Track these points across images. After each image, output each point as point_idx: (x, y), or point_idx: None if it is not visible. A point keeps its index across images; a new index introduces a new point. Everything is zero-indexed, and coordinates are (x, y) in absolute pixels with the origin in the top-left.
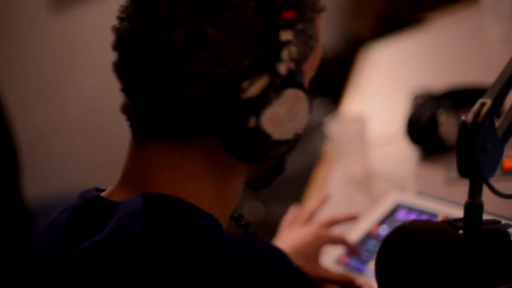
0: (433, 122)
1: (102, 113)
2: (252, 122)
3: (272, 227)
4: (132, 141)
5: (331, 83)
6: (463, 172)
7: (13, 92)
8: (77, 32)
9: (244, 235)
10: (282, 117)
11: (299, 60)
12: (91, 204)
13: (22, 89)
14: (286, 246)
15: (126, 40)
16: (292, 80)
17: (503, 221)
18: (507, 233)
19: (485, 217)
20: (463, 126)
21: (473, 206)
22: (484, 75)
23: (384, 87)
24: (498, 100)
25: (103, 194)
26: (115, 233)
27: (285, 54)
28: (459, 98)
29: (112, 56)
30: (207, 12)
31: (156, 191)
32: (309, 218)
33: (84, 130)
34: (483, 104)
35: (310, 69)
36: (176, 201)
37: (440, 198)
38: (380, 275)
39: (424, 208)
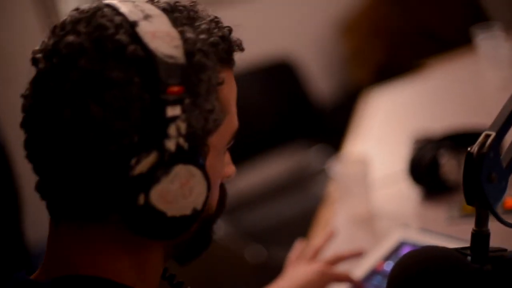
0: (435, 163)
1: None
2: (141, 199)
3: (275, 271)
4: (50, 221)
5: (331, 130)
6: (469, 200)
7: (13, 130)
8: None
9: None
10: (175, 193)
11: (195, 135)
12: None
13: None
14: (290, 284)
15: (27, 119)
16: (183, 156)
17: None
18: None
19: None
20: (468, 156)
21: (480, 234)
22: (482, 120)
23: (385, 131)
24: (502, 132)
25: (32, 277)
26: None
27: (172, 130)
28: (458, 140)
29: None
30: (91, 89)
31: (76, 272)
32: (315, 255)
33: None
34: (487, 136)
35: (220, 142)
36: (99, 280)
37: (443, 235)
38: None
39: (428, 244)
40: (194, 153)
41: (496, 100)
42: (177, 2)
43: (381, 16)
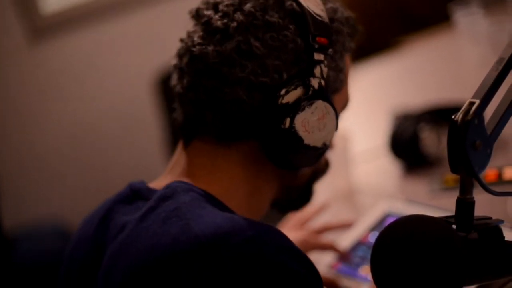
0: (415, 138)
1: (78, 141)
2: (286, 122)
3: None
4: (180, 142)
5: None
6: (454, 168)
7: None
8: (53, 63)
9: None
10: (313, 124)
11: (330, 83)
12: (137, 191)
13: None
14: None
15: (186, 53)
16: (322, 94)
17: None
18: (498, 228)
19: None
20: (452, 124)
21: (465, 202)
22: (460, 95)
23: (364, 107)
24: (486, 99)
25: (151, 183)
26: (149, 211)
27: (317, 71)
28: (438, 115)
29: (86, 86)
30: (254, 30)
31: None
32: (303, 223)
33: (62, 159)
34: (471, 103)
35: (339, 103)
36: (205, 193)
37: (429, 206)
38: (375, 270)
39: None
40: (330, 97)
41: (474, 76)
42: None
43: None
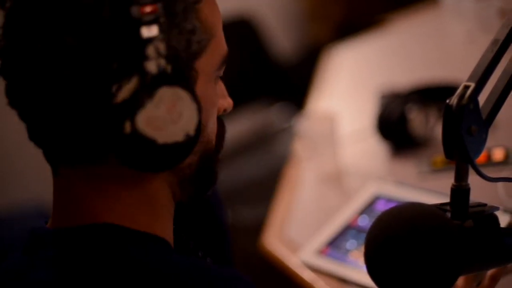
0: (403, 118)
1: None
2: (127, 126)
3: (240, 232)
4: (52, 171)
5: (293, 88)
6: (449, 154)
7: None
8: None
9: (201, 260)
10: (163, 118)
11: (179, 57)
12: (39, 237)
13: None
14: None
15: (3, 65)
16: (166, 79)
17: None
18: (494, 216)
19: None
20: (447, 109)
21: (460, 189)
22: (448, 73)
23: (349, 87)
24: (481, 83)
25: (48, 224)
26: (60, 274)
27: (151, 51)
28: (426, 95)
29: None
30: (62, 19)
31: (89, 220)
32: None
33: None
34: (466, 87)
35: (209, 66)
36: (110, 228)
37: (419, 188)
38: (369, 262)
39: (403, 198)
40: (179, 75)
41: (461, 54)
42: None
43: None
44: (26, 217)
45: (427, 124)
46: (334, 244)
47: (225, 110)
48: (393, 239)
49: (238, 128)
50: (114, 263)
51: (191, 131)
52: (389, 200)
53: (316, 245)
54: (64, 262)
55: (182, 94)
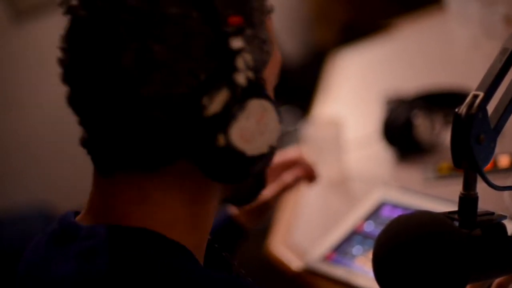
0: (409, 124)
1: (62, 124)
2: (221, 140)
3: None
4: (96, 174)
5: (297, 91)
6: (457, 163)
7: None
8: (37, 43)
9: (225, 273)
10: (252, 130)
11: (258, 68)
12: (67, 229)
13: None
14: None
15: (73, 72)
16: (254, 90)
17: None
18: (502, 224)
19: None
20: (456, 118)
21: (468, 198)
22: (452, 79)
23: (355, 92)
24: (490, 92)
25: (77, 218)
26: (78, 268)
27: (240, 62)
28: (432, 101)
29: None
30: (149, 29)
31: (124, 222)
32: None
33: (44, 142)
34: (475, 96)
35: (271, 75)
36: (142, 232)
37: (425, 194)
38: (378, 269)
39: (409, 204)
40: (261, 86)
41: (466, 59)
42: None
43: None
44: (27, 218)
45: (433, 130)
46: (340, 250)
47: None
48: (401, 246)
49: None
50: (141, 268)
51: (274, 143)
52: (394, 206)
53: (322, 250)
54: (90, 260)
55: (267, 105)
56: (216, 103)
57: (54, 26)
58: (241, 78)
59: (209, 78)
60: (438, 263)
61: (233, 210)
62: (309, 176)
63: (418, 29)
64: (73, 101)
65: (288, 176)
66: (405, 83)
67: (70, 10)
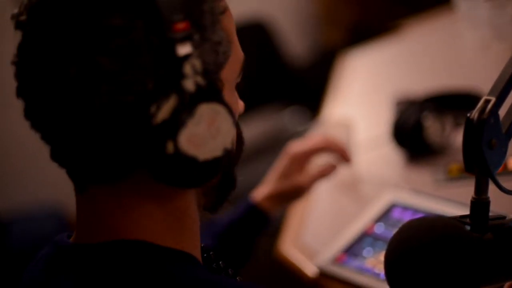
0: (419, 126)
1: None
2: (170, 147)
3: None
4: (75, 190)
5: (306, 91)
6: (469, 167)
7: None
8: None
9: (231, 278)
10: (203, 135)
11: (209, 71)
12: (63, 252)
13: None
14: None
15: (25, 86)
16: (204, 95)
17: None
18: None
19: None
20: (468, 123)
21: (480, 202)
22: (463, 80)
23: (364, 93)
24: (502, 97)
25: (71, 239)
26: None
27: (187, 69)
28: (441, 102)
29: None
30: (94, 42)
31: (115, 236)
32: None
33: None
34: (487, 101)
35: (232, 74)
36: (140, 245)
37: (435, 196)
38: (390, 274)
39: (419, 206)
40: (213, 89)
41: (475, 61)
42: None
43: None
44: (37, 218)
45: (443, 131)
46: (351, 251)
47: (239, 113)
48: (413, 250)
49: (251, 132)
50: (141, 281)
51: (229, 145)
52: (405, 208)
53: (333, 252)
54: (88, 279)
55: (219, 109)
56: (164, 111)
57: None
58: (189, 84)
59: (157, 86)
60: (450, 267)
61: (256, 197)
62: (344, 158)
63: (427, 31)
64: (29, 114)
65: (323, 163)
66: (414, 85)
67: (19, 25)
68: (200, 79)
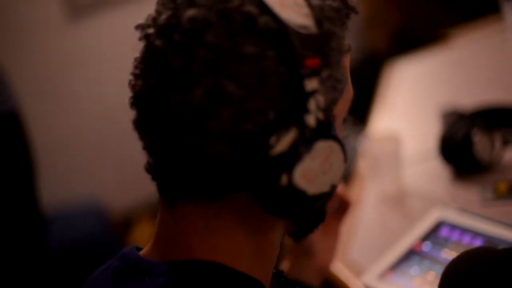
0: (467, 142)
1: (115, 122)
2: (284, 179)
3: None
4: (161, 202)
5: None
6: None
7: (28, 101)
8: (92, 42)
9: None
10: (316, 171)
11: (329, 108)
12: (133, 267)
13: (36, 98)
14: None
15: (142, 99)
16: (322, 131)
17: None
18: None
19: None
20: None
21: None
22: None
23: (411, 104)
24: None
25: (141, 253)
26: None
27: (312, 104)
28: (491, 117)
29: (126, 65)
30: (224, 67)
31: (191, 255)
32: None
33: (98, 139)
34: None
35: (341, 111)
36: (213, 267)
37: (483, 216)
38: None
39: (467, 226)
40: (330, 126)
41: None
42: None
43: None
44: (79, 218)
45: (492, 148)
46: (398, 269)
47: None
48: (468, 283)
49: None
50: None
51: (337, 181)
52: (452, 227)
53: (379, 269)
54: None
55: (334, 146)
56: (283, 143)
57: (108, 25)
58: (311, 120)
59: (278, 118)
60: None
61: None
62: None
63: (476, 40)
64: (140, 126)
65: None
66: (462, 97)
67: (146, 38)
68: (321, 115)
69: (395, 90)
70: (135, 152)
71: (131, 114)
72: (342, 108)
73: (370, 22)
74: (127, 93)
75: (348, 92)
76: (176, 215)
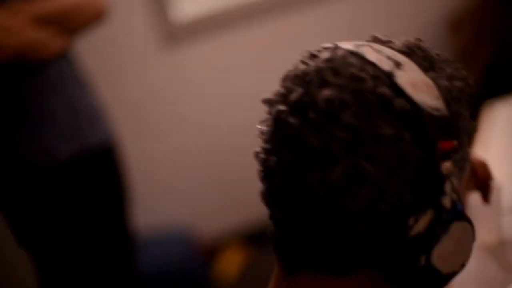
0: None
1: (209, 150)
2: (422, 260)
3: None
4: (279, 270)
5: None
6: None
7: (125, 126)
8: (188, 70)
9: None
10: (450, 251)
11: (460, 189)
12: None
13: (133, 125)
14: None
15: (276, 174)
16: (457, 213)
17: None
18: None
19: None
20: None
21: None
22: None
23: (507, 150)
24: None
25: None
26: None
27: (448, 186)
28: None
29: (222, 92)
30: (362, 148)
31: None
32: None
33: (189, 166)
34: None
35: (463, 188)
36: None
37: None
38: None
39: None
40: (462, 206)
41: None
42: (407, 41)
43: (491, 16)
44: (168, 244)
45: None
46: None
47: None
48: None
49: None
50: None
51: (467, 261)
52: None
53: None
54: None
55: (467, 227)
56: (420, 224)
57: (204, 52)
58: (447, 202)
59: (414, 199)
60: None
61: None
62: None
63: None
64: (269, 197)
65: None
66: None
67: (277, 114)
68: (455, 196)
69: (491, 133)
70: (226, 180)
71: (225, 142)
72: (464, 184)
73: (462, 57)
74: (225, 120)
75: (469, 169)
76: (293, 284)
